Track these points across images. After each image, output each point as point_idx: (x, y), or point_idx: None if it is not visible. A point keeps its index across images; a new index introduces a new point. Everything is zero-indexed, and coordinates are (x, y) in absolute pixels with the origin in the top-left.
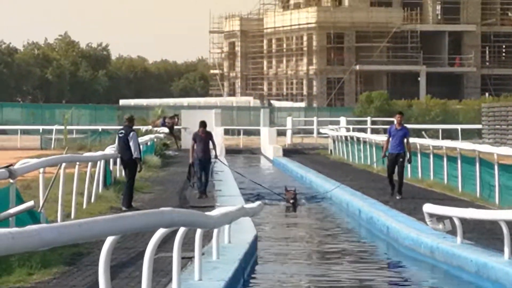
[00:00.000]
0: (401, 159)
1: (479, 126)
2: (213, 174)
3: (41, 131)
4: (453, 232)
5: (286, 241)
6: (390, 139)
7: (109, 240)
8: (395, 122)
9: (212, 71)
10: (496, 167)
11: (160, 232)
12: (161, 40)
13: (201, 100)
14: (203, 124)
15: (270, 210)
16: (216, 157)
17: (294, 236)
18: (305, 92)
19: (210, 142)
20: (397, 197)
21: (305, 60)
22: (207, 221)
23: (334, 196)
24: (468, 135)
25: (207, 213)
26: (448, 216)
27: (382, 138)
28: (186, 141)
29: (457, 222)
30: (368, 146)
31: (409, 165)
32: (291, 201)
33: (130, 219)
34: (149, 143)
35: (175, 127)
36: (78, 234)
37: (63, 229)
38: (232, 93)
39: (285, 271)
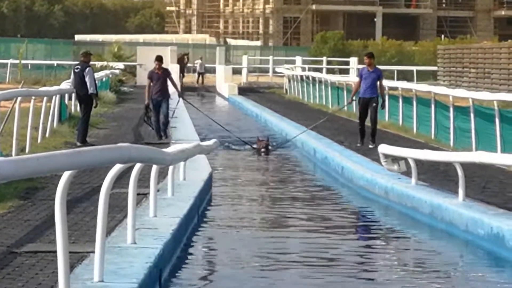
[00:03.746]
0: (374, 104)
1: (434, 68)
2: (174, 114)
3: None
4: (407, 173)
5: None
6: (362, 82)
7: (66, 174)
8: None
9: (168, 8)
10: (451, 109)
11: (117, 167)
12: None
13: (157, 37)
14: (158, 58)
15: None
16: (179, 96)
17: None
18: (261, 31)
19: (169, 81)
20: (370, 146)
21: None
22: (164, 158)
23: (290, 135)
24: (423, 76)
25: (164, 149)
26: (403, 157)
27: (337, 78)
28: (142, 78)
29: (412, 163)
30: (323, 86)
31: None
32: (263, 149)
33: (89, 154)
34: (104, 79)
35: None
36: (36, 168)
37: (21, 163)
38: (188, 30)
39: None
